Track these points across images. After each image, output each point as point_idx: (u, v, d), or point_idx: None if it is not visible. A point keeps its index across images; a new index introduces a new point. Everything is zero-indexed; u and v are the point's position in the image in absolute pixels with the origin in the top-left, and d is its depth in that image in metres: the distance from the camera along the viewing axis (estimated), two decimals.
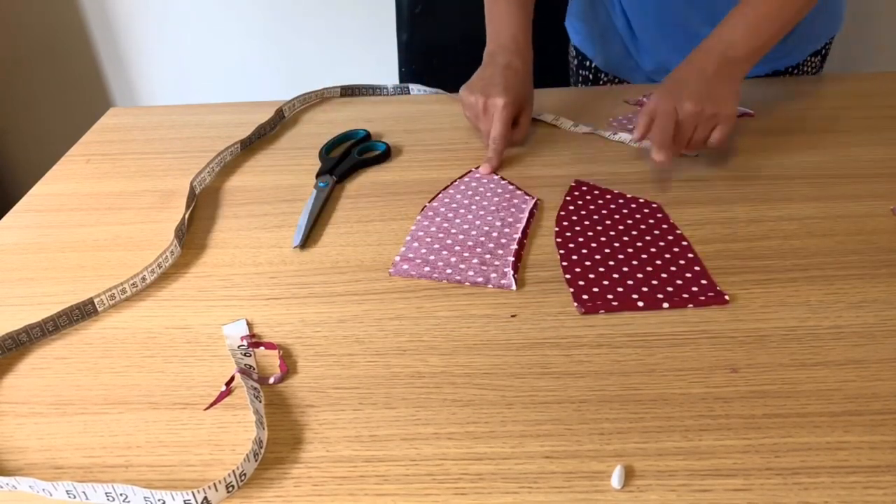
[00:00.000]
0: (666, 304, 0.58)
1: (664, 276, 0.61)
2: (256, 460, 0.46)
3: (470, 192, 0.73)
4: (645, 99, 0.91)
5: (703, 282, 0.59)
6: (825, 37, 0.99)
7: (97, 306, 0.60)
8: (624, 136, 0.82)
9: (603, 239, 0.65)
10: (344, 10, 1.65)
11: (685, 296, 0.58)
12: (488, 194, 0.73)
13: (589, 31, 1.05)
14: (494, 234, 0.66)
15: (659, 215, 0.68)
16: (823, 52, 1.01)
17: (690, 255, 0.62)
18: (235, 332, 0.57)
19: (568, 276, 0.61)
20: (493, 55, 0.82)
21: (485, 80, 0.80)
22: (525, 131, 0.82)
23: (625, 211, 0.69)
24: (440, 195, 0.73)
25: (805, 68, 1.00)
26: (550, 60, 1.13)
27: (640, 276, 0.61)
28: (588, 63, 1.08)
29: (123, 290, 0.61)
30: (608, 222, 0.67)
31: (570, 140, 0.84)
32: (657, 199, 0.71)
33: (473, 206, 0.71)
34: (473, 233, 0.67)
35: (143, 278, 0.62)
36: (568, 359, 0.53)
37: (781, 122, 0.84)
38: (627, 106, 0.91)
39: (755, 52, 0.76)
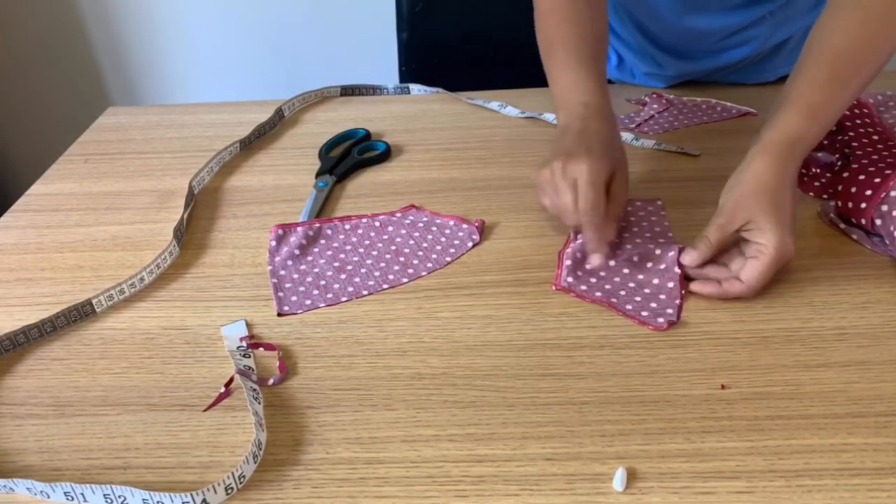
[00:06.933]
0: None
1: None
2: (255, 462, 0.45)
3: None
4: (646, 98, 0.90)
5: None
6: None
7: (95, 307, 0.59)
8: (626, 136, 0.82)
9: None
10: (344, 8, 1.65)
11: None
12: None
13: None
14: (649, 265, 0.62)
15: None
16: None
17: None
18: (234, 333, 0.57)
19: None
20: (564, 128, 0.67)
21: (558, 151, 0.63)
22: (622, 204, 0.65)
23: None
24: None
25: None
26: None
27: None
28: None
29: (122, 291, 0.61)
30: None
31: None
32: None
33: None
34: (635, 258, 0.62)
35: (142, 279, 0.62)
36: (569, 360, 0.53)
37: None
38: (629, 105, 0.90)
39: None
